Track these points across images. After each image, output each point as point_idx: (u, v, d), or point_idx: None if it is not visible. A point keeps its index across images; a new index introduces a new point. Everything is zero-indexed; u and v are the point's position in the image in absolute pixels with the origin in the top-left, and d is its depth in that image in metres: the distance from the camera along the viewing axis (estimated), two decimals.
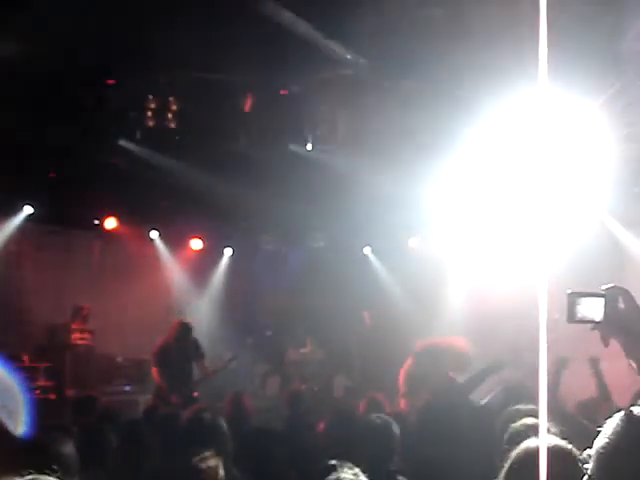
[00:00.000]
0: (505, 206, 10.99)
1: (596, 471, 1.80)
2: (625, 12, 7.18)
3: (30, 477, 2.11)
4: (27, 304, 11.69)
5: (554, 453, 2.49)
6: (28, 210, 11.10)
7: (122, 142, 9.96)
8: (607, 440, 1.80)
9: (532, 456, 2.48)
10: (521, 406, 4.13)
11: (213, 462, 3.58)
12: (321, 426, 7.27)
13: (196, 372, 10.41)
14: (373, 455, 4.51)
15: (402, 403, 9.54)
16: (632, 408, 1.87)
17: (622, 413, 1.84)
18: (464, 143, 9.40)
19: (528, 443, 2.63)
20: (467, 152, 9.57)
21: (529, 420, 3.50)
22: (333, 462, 3.33)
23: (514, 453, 2.64)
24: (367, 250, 14.25)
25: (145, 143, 9.71)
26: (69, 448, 3.87)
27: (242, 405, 7.46)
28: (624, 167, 9.94)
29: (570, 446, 2.58)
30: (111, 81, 8.46)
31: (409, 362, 10.04)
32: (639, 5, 7.07)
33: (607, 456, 1.79)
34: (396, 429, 4.70)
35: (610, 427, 1.82)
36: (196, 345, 10.59)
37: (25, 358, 10.59)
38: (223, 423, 4.56)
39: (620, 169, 10.07)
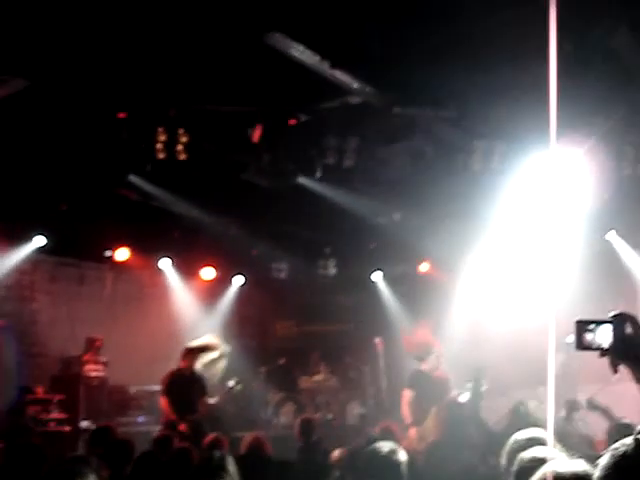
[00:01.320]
0: (516, 235, 11.01)
1: None
2: None
3: None
4: (41, 336, 11.74)
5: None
6: (40, 241, 11.10)
7: (132, 177, 10.06)
8: (605, 472, 1.81)
9: None
10: (531, 434, 4.08)
11: None
12: (335, 454, 7.25)
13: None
14: None
15: (412, 432, 9.60)
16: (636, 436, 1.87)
17: (625, 441, 1.84)
18: (474, 169, 9.42)
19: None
20: (478, 178, 9.60)
21: (538, 451, 3.46)
22: None
23: None
24: (378, 276, 14.22)
25: (155, 175, 9.78)
26: None
27: (262, 449, 7.47)
28: (635, 188, 9.95)
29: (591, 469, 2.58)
30: (122, 114, 8.54)
31: (406, 394, 10.13)
32: None
33: None
34: (403, 456, 4.69)
35: (609, 456, 1.82)
36: (201, 382, 10.66)
37: (39, 390, 10.61)
38: (231, 461, 4.60)
39: (630, 190, 10.09)
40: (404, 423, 9.87)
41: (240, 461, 5.34)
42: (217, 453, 5.03)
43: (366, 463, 4.65)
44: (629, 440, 1.84)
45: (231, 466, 4.59)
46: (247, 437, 7.66)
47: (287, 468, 6.22)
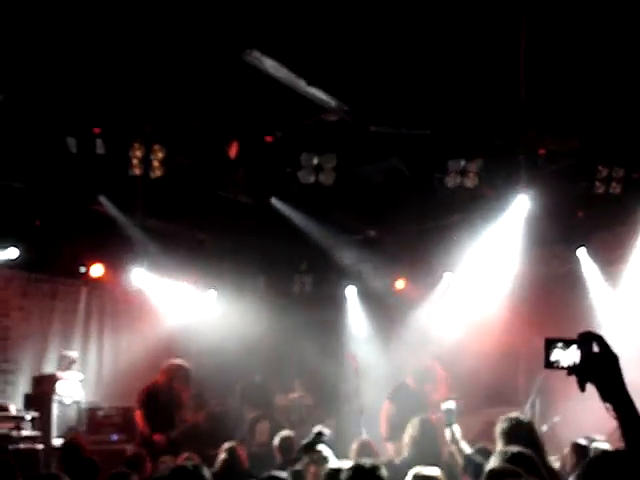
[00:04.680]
0: (489, 252, 11.10)
1: None
2: None
3: None
4: (13, 352, 11.60)
5: None
6: (13, 252, 10.77)
7: (101, 198, 10.03)
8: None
9: None
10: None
11: None
12: (311, 470, 7.22)
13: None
14: None
15: (389, 447, 9.59)
16: (600, 453, 1.95)
17: (592, 457, 1.92)
18: (449, 186, 9.48)
19: None
20: (453, 195, 9.66)
21: None
22: None
23: None
24: (352, 292, 14.15)
25: (132, 192, 9.73)
26: None
27: (237, 456, 7.55)
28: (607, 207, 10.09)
29: None
30: (97, 129, 8.51)
31: (386, 406, 10.12)
32: None
33: None
34: (384, 473, 4.70)
35: (580, 470, 1.90)
36: (179, 395, 10.63)
37: (11, 408, 10.49)
38: (206, 472, 4.55)
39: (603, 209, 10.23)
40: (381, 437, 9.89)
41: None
42: (190, 463, 4.99)
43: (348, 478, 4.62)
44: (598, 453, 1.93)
45: (206, 473, 4.54)
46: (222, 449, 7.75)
47: None
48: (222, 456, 7.72)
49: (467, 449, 6.43)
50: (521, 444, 4.78)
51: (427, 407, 9.76)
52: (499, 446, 5.34)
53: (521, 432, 5.39)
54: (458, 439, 6.52)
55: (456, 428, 6.61)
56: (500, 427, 5.52)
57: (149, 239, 11.74)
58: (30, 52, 7.17)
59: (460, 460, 6.39)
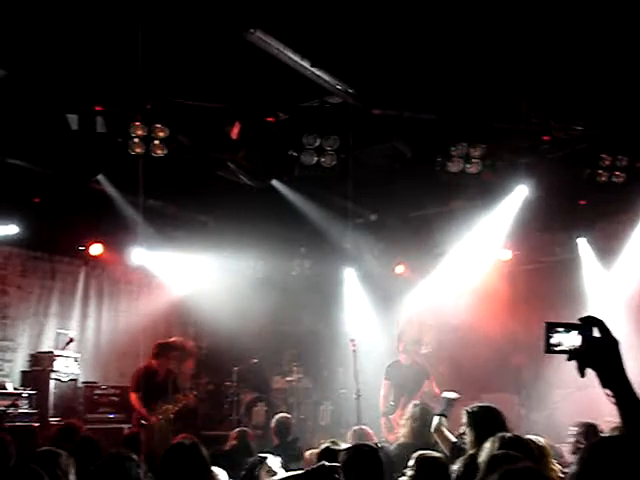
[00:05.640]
0: (490, 238, 11.08)
1: None
2: None
3: None
4: (11, 331, 11.59)
5: None
6: (12, 229, 10.83)
7: (100, 177, 9.99)
8: (577, 467, 1.87)
9: None
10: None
11: None
12: (307, 454, 7.23)
13: None
14: None
15: (382, 422, 9.94)
16: (601, 438, 1.94)
17: (593, 442, 1.91)
18: (452, 171, 9.44)
19: None
20: (455, 180, 9.62)
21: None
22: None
23: None
24: (351, 275, 14.12)
25: (131, 171, 9.68)
26: None
27: (247, 441, 7.65)
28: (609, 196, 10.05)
29: None
30: (98, 107, 8.45)
31: (385, 384, 10.39)
32: None
33: None
34: (382, 456, 4.70)
35: (582, 455, 1.89)
36: (175, 378, 10.63)
37: (8, 385, 10.49)
38: (204, 450, 4.53)
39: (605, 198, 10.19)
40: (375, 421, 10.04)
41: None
42: (187, 440, 4.97)
43: (347, 461, 4.61)
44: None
45: (204, 450, 4.52)
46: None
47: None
48: (232, 442, 7.82)
49: (452, 438, 6.41)
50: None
51: (422, 378, 10.04)
52: (470, 435, 5.35)
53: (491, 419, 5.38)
54: (443, 429, 6.49)
55: (443, 420, 6.58)
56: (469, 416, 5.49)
57: (148, 219, 11.70)
58: (32, 28, 7.11)
59: (445, 449, 6.34)
